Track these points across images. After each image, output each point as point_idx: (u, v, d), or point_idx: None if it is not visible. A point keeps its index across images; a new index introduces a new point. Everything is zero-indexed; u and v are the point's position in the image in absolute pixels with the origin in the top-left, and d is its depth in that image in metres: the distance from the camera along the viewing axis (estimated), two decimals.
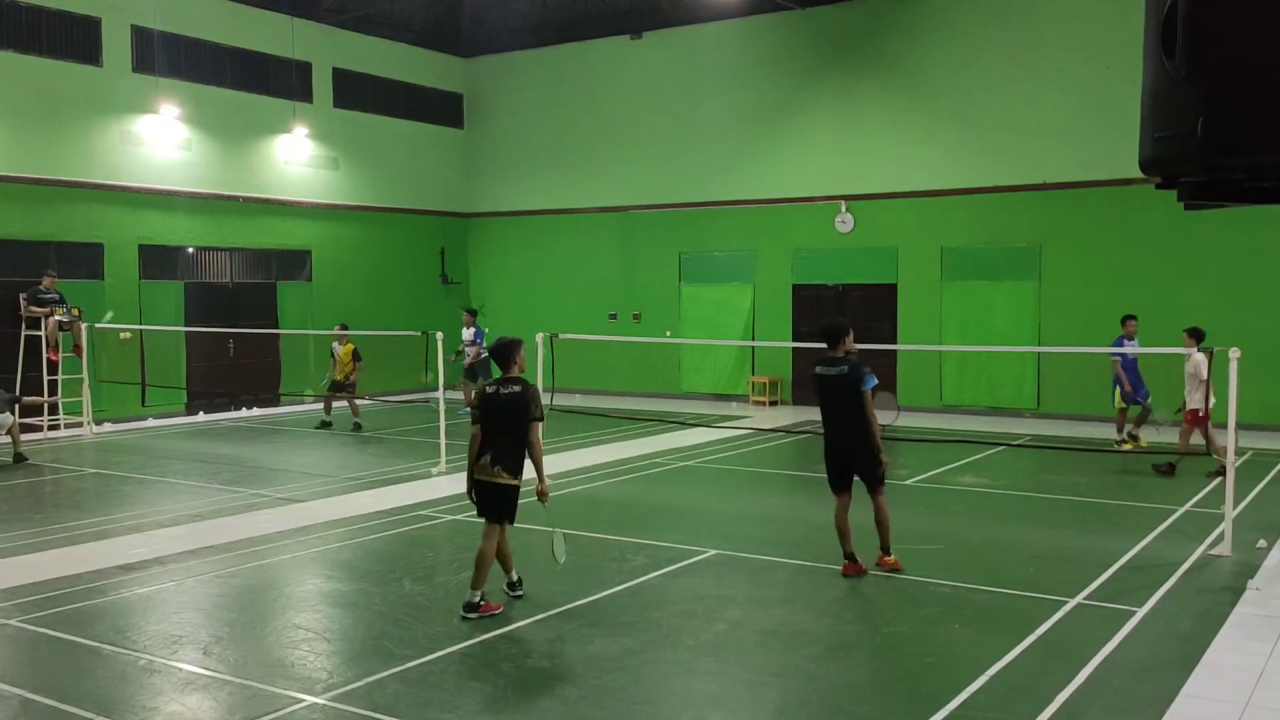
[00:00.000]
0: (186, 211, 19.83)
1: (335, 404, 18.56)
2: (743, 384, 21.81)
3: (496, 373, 8.25)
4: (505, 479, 7.55)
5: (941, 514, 11.22)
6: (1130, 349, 14.15)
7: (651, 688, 6.19)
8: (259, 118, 21.05)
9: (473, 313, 20.22)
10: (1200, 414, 12.17)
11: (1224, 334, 15.27)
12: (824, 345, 8.62)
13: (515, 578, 8.00)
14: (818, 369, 8.54)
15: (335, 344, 18.14)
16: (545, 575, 8.57)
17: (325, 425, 18.19)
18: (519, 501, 7.73)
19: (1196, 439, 12.32)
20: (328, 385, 18.45)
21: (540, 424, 7.63)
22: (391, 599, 7.95)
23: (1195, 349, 12.06)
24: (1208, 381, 11.71)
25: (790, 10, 20.87)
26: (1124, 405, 14.60)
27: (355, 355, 17.95)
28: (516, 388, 7.62)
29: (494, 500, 7.60)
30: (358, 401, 18.16)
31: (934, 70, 19.63)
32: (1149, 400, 14.37)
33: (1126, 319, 14.78)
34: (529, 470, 7.67)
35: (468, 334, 19.89)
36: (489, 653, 6.75)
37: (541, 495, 7.72)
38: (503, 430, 7.55)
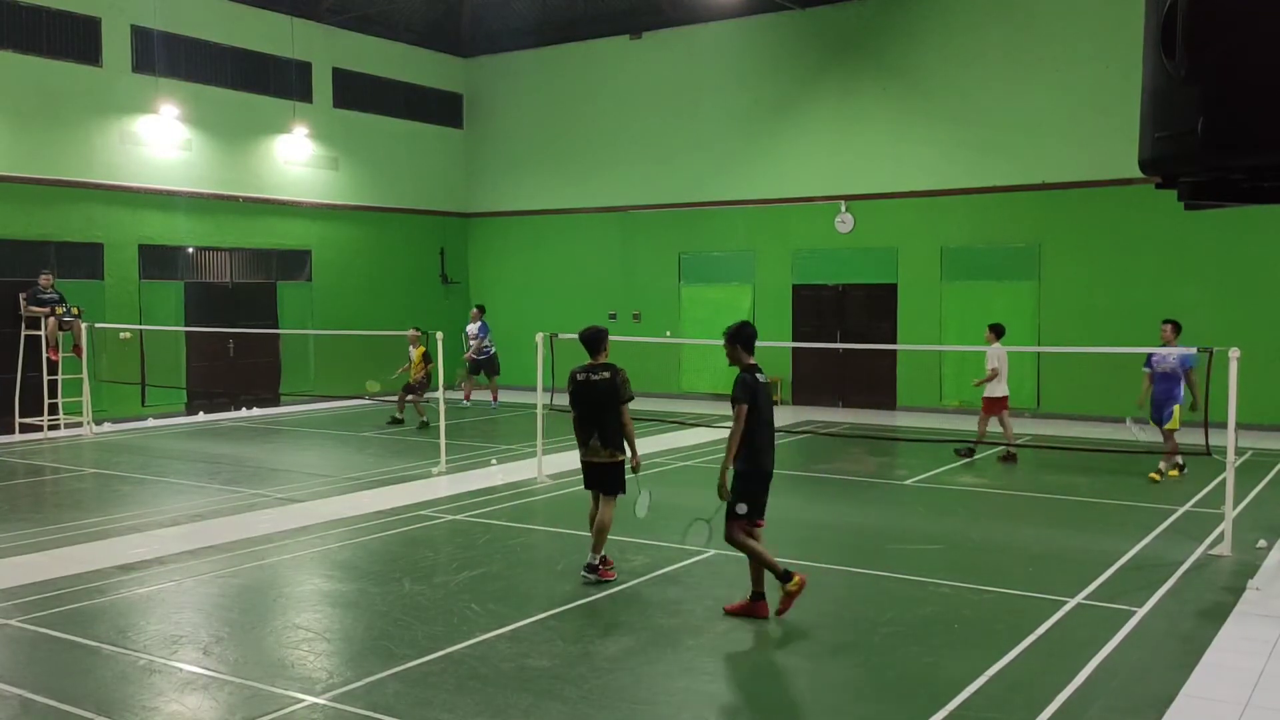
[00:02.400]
0: (186, 211, 19.83)
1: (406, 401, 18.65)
2: None
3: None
4: (619, 457, 8.33)
5: (941, 514, 11.22)
6: (1159, 353, 12.49)
7: (651, 688, 6.19)
8: (259, 118, 21.05)
9: (481, 309, 20.43)
10: (999, 402, 14.03)
11: (1224, 334, 15.27)
12: (730, 353, 7.66)
13: (595, 560, 8.35)
14: (757, 377, 7.45)
15: (411, 346, 18.27)
16: (545, 575, 8.59)
17: (396, 422, 18.23)
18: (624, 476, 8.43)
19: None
20: (399, 381, 18.59)
21: (627, 405, 8.30)
22: (391, 599, 7.95)
23: (996, 343, 13.97)
24: (996, 371, 13.89)
25: (790, 10, 20.87)
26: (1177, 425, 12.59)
27: (425, 358, 18.07)
28: (606, 374, 8.34)
29: (603, 475, 8.38)
30: (421, 403, 18.30)
31: (934, 70, 19.63)
32: (1165, 421, 12.56)
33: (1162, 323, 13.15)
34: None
35: (472, 328, 20.07)
36: (489, 653, 6.74)
37: (635, 468, 8.37)
38: (599, 413, 8.28)
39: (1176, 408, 12.35)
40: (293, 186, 21.74)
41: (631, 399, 8.35)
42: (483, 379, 21.23)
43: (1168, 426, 12.43)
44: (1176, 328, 12.74)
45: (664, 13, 22.36)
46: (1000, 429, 14.29)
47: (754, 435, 7.34)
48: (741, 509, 7.37)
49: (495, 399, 20.81)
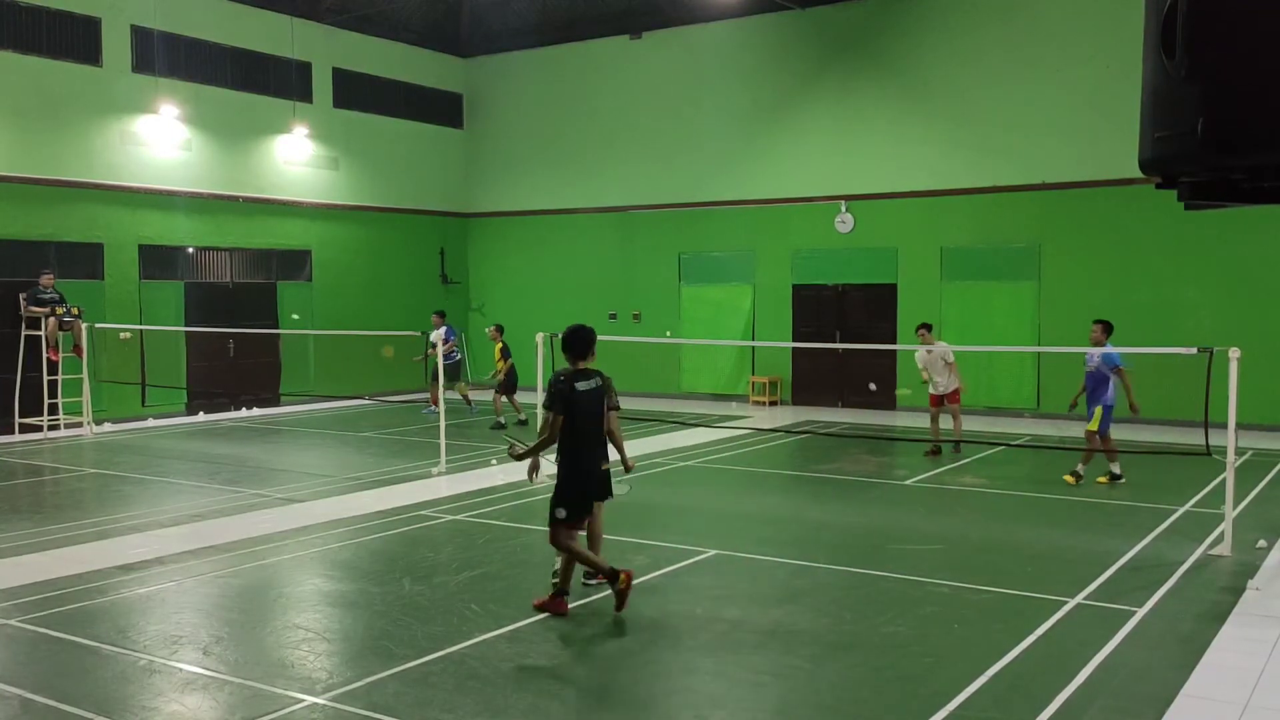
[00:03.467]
0: (186, 211, 19.83)
1: (474, 398, 18.77)
2: (743, 384, 21.80)
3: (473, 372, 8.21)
4: (605, 465, 7.93)
5: (941, 514, 11.22)
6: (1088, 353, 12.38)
7: (651, 688, 6.19)
8: (259, 118, 21.05)
9: (442, 314, 19.70)
10: (954, 396, 14.54)
11: (1224, 334, 15.30)
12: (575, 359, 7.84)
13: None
14: (575, 385, 7.61)
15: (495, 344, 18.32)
16: (545, 575, 8.58)
17: (521, 424, 17.76)
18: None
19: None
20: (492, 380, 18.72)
21: (615, 412, 8.05)
22: (391, 599, 7.95)
23: (937, 341, 14.77)
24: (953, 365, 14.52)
25: (790, 10, 20.87)
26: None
27: (503, 353, 18.03)
28: (595, 380, 8.01)
29: None
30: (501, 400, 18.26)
31: (934, 70, 19.63)
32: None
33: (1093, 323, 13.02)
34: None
35: (438, 334, 19.23)
36: (489, 653, 6.75)
37: (628, 468, 8.45)
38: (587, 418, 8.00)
39: (1098, 409, 12.16)
40: (293, 186, 21.74)
41: (618, 407, 8.11)
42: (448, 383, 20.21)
43: (1088, 428, 12.32)
44: (1107, 328, 12.46)
45: (664, 13, 22.36)
46: (929, 424, 14.97)
47: (573, 439, 7.48)
48: (561, 514, 7.50)
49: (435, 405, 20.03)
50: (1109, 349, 12.15)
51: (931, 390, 14.63)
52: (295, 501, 11.77)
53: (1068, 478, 12.47)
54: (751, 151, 21.57)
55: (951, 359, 14.50)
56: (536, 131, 24.31)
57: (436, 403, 19.75)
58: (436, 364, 19.09)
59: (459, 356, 20.44)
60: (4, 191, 17.26)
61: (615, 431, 7.97)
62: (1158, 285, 17.65)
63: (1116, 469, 12.53)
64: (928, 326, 14.87)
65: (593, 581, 8.26)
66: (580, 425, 7.51)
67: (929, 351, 14.48)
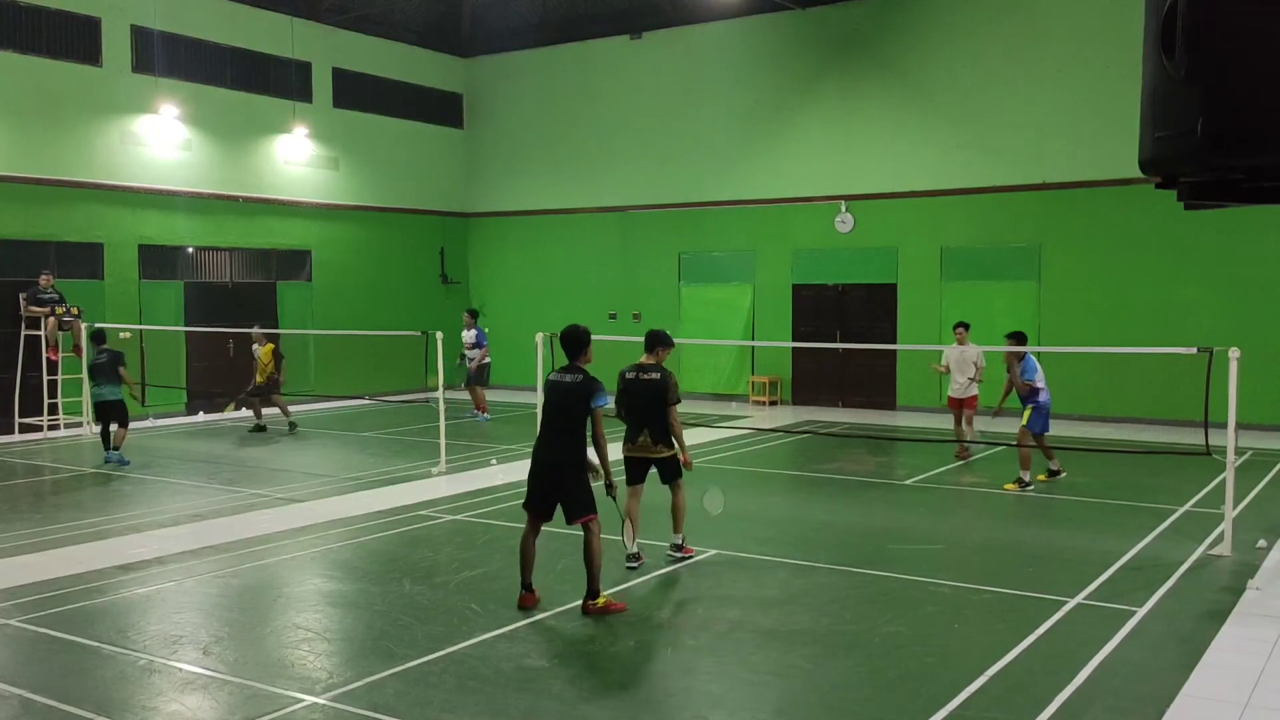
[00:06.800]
0: (186, 211, 19.82)
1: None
2: (743, 384, 21.80)
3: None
4: (670, 452, 8.81)
5: (941, 514, 11.22)
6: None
7: (651, 688, 6.19)
8: (259, 118, 21.05)
9: (474, 313, 20.00)
10: (970, 402, 14.42)
11: (1224, 334, 15.30)
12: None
13: (679, 539, 9.00)
14: (558, 378, 7.93)
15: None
16: (545, 575, 8.57)
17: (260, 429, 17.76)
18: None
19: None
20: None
21: (675, 407, 8.83)
22: (391, 599, 7.95)
23: (970, 343, 14.46)
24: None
25: (790, 10, 20.87)
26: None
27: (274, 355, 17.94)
28: (656, 375, 8.92)
29: (660, 467, 8.85)
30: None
31: (934, 70, 19.63)
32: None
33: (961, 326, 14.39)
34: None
35: (469, 336, 19.59)
36: (489, 653, 6.75)
37: (687, 465, 8.98)
38: (648, 411, 8.76)
39: (1028, 409, 12.33)
40: (293, 186, 21.74)
41: (679, 401, 8.86)
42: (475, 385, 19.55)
43: (1022, 425, 12.44)
44: (1020, 338, 12.76)
45: (664, 13, 22.36)
46: (954, 426, 14.88)
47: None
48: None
49: (484, 411, 19.27)
50: (974, 348, 12.63)
51: (950, 392, 14.56)
52: (295, 501, 11.77)
53: (1041, 476, 12.61)
54: (751, 151, 21.57)
55: (982, 364, 14.30)
56: (536, 131, 24.30)
57: (484, 407, 19.26)
58: (468, 367, 19.31)
59: (489, 360, 20.05)
60: (4, 191, 17.26)
61: (674, 424, 8.75)
62: (1158, 285, 17.65)
63: (1027, 477, 12.30)
64: (965, 326, 14.58)
65: (634, 565, 8.56)
66: (545, 415, 7.87)
67: (960, 349, 14.33)
